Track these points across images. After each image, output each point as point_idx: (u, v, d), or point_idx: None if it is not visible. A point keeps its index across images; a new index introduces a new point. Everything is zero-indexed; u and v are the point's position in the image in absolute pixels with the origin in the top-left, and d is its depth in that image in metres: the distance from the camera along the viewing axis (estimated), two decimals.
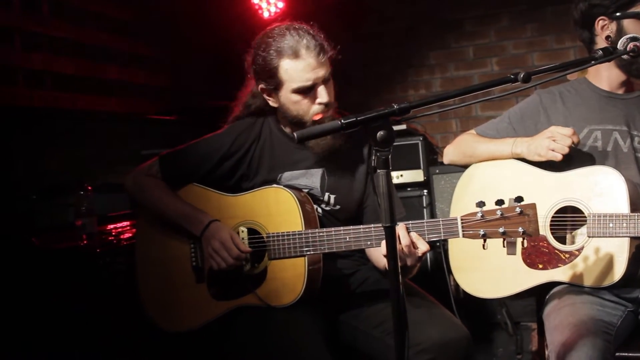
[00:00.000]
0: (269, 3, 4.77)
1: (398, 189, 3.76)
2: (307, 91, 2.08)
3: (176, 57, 4.62)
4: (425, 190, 3.82)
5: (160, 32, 4.44)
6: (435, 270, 3.63)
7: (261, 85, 2.16)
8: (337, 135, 2.09)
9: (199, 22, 4.54)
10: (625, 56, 1.99)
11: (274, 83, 2.11)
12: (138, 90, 4.32)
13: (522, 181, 2.24)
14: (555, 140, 2.11)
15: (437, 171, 3.77)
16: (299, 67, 2.04)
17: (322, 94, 2.07)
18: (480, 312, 3.58)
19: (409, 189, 3.87)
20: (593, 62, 1.72)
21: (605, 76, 2.24)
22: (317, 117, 2.09)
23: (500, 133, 2.37)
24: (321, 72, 2.06)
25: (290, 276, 2.05)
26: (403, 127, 3.89)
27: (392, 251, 1.42)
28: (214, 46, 4.65)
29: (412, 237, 1.87)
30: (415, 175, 3.86)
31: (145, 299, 2.25)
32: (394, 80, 5.05)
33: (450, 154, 2.45)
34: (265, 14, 4.76)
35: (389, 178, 1.46)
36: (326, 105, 2.09)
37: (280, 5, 4.73)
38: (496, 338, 3.60)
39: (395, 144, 4.26)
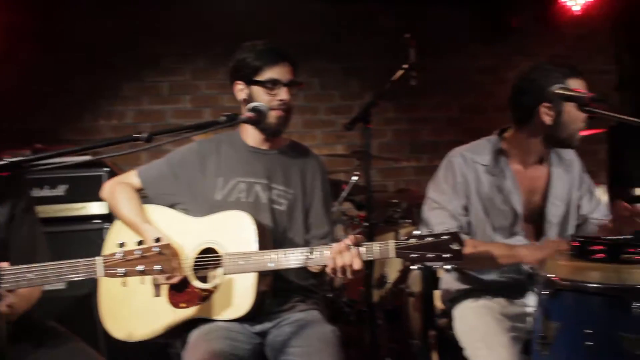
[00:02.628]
0: None
1: (80, 221, 3.68)
2: None
3: None
4: (107, 224, 3.77)
5: None
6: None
7: None
8: None
9: None
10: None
11: None
12: None
13: (169, 225, 2.37)
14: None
15: None
16: None
17: None
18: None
19: (94, 221, 3.79)
20: (217, 126, 1.91)
21: (251, 132, 2.48)
22: None
23: (161, 176, 2.49)
24: None
25: None
26: (87, 158, 3.82)
27: None
28: None
29: None
30: (99, 208, 3.80)
31: None
32: (85, 109, 4.93)
33: (105, 197, 2.51)
34: None
35: None
36: None
37: None
38: None
39: (78, 174, 4.11)
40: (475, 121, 5.47)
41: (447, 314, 2.60)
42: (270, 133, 2.45)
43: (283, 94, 2.37)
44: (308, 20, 5.13)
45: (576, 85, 2.31)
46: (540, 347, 1.89)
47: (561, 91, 2.15)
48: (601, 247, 1.88)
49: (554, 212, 2.49)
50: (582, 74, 2.35)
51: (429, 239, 2.04)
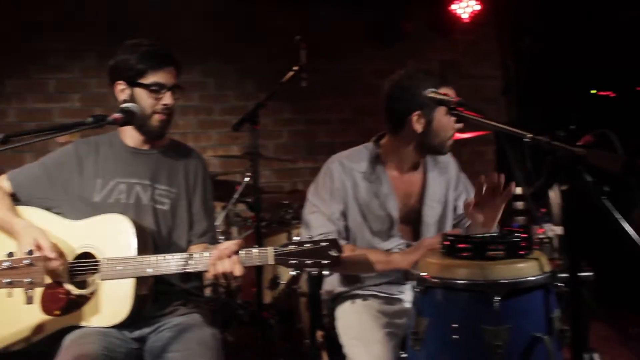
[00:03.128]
0: None
1: None
2: None
3: None
4: None
5: None
6: None
7: None
8: None
9: None
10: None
11: None
12: None
13: (44, 228, 2.26)
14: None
15: None
16: None
17: None
18: None
19: None
20: (83, 127, 1.85)
21: (129, 133, 2.43)
22: None
23: (34, 179, 2.38)
24: None
25: None
26: None
27: None
28: None
29: None
30: None
31: None
32: None
33: None
34: None
35: None
36: None
37: None
38: None
39: None
40: (368, 122, 5.59)
41: (330, 313, 2.64)
42: (153, 136, 2.42)
43: (167, 98, 2.34)
44: (203, 20, 5.07)
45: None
46: (413, 343, 1.96)
47: (432, 95, 2.23)
48: (468, 245, 1.96)
49: (431, 213, 2.57)
50: (451, 83, 2.42)
51: (308, 245, 2.06)
